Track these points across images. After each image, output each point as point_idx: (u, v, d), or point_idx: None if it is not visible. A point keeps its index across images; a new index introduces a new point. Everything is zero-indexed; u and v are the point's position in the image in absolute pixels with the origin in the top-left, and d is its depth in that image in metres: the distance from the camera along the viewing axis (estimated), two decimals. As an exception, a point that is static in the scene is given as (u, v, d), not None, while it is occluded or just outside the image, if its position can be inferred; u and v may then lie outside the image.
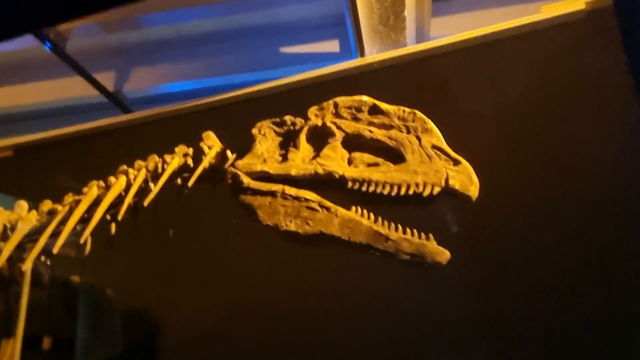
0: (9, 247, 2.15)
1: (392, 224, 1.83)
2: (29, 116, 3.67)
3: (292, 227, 1.88)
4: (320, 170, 1.91)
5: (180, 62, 3.37)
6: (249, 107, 2.58)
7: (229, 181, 2.00)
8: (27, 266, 2.15)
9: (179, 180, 2.19)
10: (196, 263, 2.49)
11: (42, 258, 2.40)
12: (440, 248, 1.78)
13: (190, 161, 2.19)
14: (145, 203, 2.13)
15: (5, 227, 2.26)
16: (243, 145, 2.14)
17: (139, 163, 2.26)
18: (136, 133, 2.88)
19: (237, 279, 2.42)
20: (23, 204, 2.35)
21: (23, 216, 2.25)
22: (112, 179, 2.22)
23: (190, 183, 2.10)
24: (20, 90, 3.58)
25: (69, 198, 2.30)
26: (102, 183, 2.25)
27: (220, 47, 3.30)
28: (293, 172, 1.93)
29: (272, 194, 1.93)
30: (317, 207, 1.88)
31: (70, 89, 3.53)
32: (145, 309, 2.56)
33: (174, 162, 2.16)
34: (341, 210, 1.86)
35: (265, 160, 2.01)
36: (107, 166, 2.55)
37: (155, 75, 3.55)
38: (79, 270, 2.34)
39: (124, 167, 2.28)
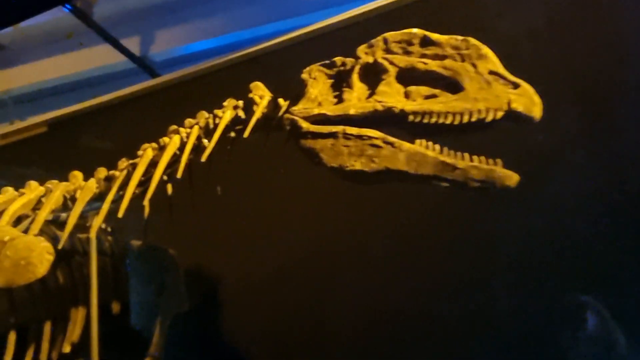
0: (74, 216, 2.18)
1: (458, 153, 1.82)
2: (58, 90, 3.66)
3: (358, 166, 1.88)
4: (379, 107, 1.90)
5: (205, 19, 3.32)
6: (292, 53, 2.55)
7: (287, 128, 2.00)
8: (94, 234, 2.17)
9: (232, 134, 2.19)
10: (256, 214, 2.50)
11: (102, 225, 2.43)
12: (509, 172, 1.77)
13: (241, 113, 2.18)
14: (203, 158, 2.13)
15: (65, 197, 2.28)
16: (293, 91, 2.12)
17: (189, 121, 2.25)
18: (177, 93, 2.87)
19: (300, 226, 2.44)
20: (77, 174, 2.36)
21: (82, 185, 2.27)
22: (166, 139, 2.21)
23: (246, 134, 2.10)
24: (47, 64, 3.56)
25: (124, 163, 2.31)
26: (155, 145, 2.25)
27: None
28: (352, 112, 1.92)
29: (334, 135, 1.92)
30: (381, 144, 1.87)
31: (97, 58, 3.50)
32: (207, 265, 2.60)
33: (226, 115, 2.15)
34: (405, 145, 1.85)
35: (320, 104, 2.00)
36: (153, 129, 2.55)
37: (180, 35, 3.51)
38: (140, 233, 2.35)
39: (174, 126, 2.27)
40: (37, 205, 2.28)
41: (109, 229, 2.46)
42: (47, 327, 2.40)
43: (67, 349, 2.45)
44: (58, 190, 2.24)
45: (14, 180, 2.52)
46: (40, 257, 1.92)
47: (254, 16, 3.34)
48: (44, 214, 2.15)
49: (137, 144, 2.36)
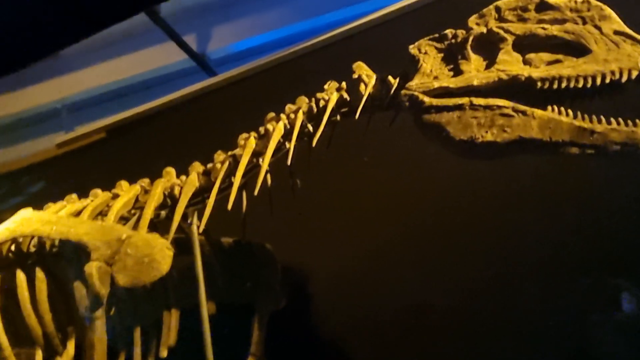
0: (179, 212, 2.10)
1: (594, 117, 1.76)
2: (113, 95, 3.59)
3: (489, 137, 1.81)
4: (503, 76, 1.84)
5: (262, 12, 3.26)
6: (388, 30, 2.48)
7: (405, 104, 1.93)
8: (195, 228, 2.10)
9: (337, 117, 2.12)
10: (365, 199, 2.43)
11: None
12: (651, 133, 1.71)
13: (346, 95, 2.11)
14: (313, 143, 2.06)
15: (164, 194, 2.20)
16: (398, 69, 2.06)
17: (289, 107, 2.18)
18: (259, 83, 2.80)
19: (412, 211, 2.36)
20: (170, 170, 2.28)
21: (178, 181, 2.19)
22: (269, 126, 2.14)
23: (357, 115, 2.03)
24: (100, 70, 3.49)
25: (221, 156, 2.23)
26: (255, 134, 2.18)
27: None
28: (475, 83, 1.86)
29: (460, 107, 1.85)
30: (512, 113, 1.81)
31: (150, 60, 3.43)
32: (303, 259, 2.53)
33: (333, 97, 2.08)
34: (538, 112, 1.79)
35: (436, 77, 1.94)
36: (227, 124, 2.48)
37: (232, 32, 3.44)
38: (233, 227, 2.27)
39: (272, 114, 2.21)
40: (136, 204, 2.20)
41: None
42: (137, 333, 2.31)
43: (164, 353, 2.36)
44: (159, 187, 2.16)
45: (75, 188, 2.44)
46: (162, 253, 1.85)
47: (310, 6, 3.28)
48: (149, 211, 2.07)
49: (212, 141, 2.29)
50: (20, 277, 2.03)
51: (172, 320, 2.42)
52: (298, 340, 2.61)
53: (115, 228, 1.95)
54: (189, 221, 2.20)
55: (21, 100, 3.68)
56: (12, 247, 2.08)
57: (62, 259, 2.00)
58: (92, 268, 1.78)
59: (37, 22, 2.97)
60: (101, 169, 3.36)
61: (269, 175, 2.19)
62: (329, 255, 2.52)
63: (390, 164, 2.41)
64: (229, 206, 2.07)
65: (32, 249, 2.04)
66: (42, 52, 3.28)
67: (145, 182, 2.30)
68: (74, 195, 2.35)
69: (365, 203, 2.46)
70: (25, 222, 2.03)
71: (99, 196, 2.26)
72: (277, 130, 2.11)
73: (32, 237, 2.04)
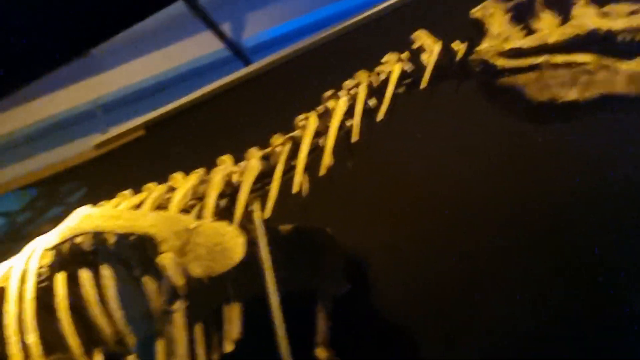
0: (242, 198, 2.02)
1: (685, 68, 1.65)
2: (149, 91, 3.52)
3: (572, 95, 1.71)
4: (580, 31, 1.74)
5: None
6: None
7: (476, 70, 1.84)
8: (266, 214, 2.02)
9: (400, 90, 2.03)
10: (435, 173, 2.33)
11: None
12: None
13: (407, 66, 2.02)
14: (379, 118, 1.97)
15: (223, 183, 2.12)
16: (459, 36, 1.96)
17: (348, 83, 2.09)
18: (303, 65, 2.71)
19: (494, 180, 2.25)
20: (226, 158, 2.20)
21: (243, 166, 2.11)
22: (329, 104, 2.05)
23: (423, 84, 1.94)
24: (134, 66, 3.42)
25: (279, 139, 2.15)
26: (314, 114, 2.10)
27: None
28: (551, 40, 1.76)
29: (536, 67, 1.75)
30: (594, 68, 1.71)
31: (185, 52, 3.36)
32: (367, 242, 2.44)
33: (396, 68, 1.99)
34: (623, 65, 1.69)
35: (507, 39, 1.84)
36: (272, 110, 2.40)
37: (264, 18, 3.35)
38: (292, 213, 2.19)
39: (330, 92, 2.12)
40: (195, 194, 2.12)
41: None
42: (199, 329, 2.22)
43: (229, 347, 2.29)
44: (218, 175, 2.08)
45: (117, 189, 2.36)
46: (233, 240, 1.77)
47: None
48: (212, 200, 2.00)
49: (256, 128, 2.21)
50: (84, 275, 1.97)
51: (233, 313, 2.34)
52: (363, 325, 2.53)
53: (181, 218, 1.88)
54: (249, 208, 2.12)
55: (53, 104, 3.63)
56: (74, 246, 2.01)
57: (129, 254, 1.93)
58: (168, 259, 1.71)
59: (67, 18, 2.91)
60: (142, 166, 3.30)
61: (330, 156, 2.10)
62: (391, 236, 2.43)
63: (456, 137, 2.31)
64: (295, 189, 1.99)
65: (95, 246, 1.97)
66: (73, 51, 3.23)
67: (200, 172, 2.22)
68: (127, 192, 2.29)
69: (430, 180, 2.36)
70: (86, 219, 1.97)
71: (154, 190, 2.19)
72: (339, 107, 2.03)
73: (95, 234, 1.96)
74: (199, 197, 2.12)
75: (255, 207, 2.12)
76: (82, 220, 1.96)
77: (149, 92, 3.59)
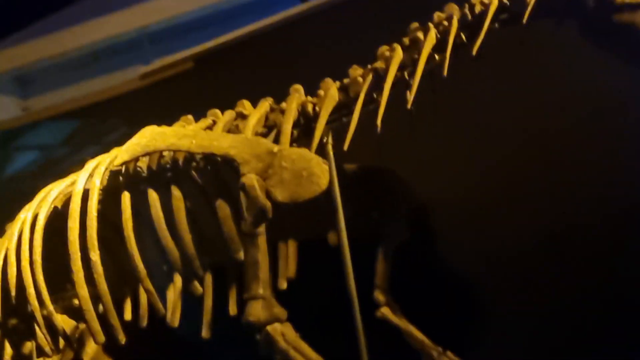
0: (320, 128, 1.93)
1: None
2: (198, 25, 3.39)
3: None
4: None
5: None
6: None
7: (590, 4, 1.72)
8: (345, 146, 1.92)
9: (495, 25, 1.92)
10: (525, 116, 2.20)
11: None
12: None
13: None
14: (474, 52, 1.86)
15: (297, 111, 2.02)
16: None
17: (438, 15, 1.97)
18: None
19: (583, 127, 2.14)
20: (298, 87, 2.09)
21: (321, 95, 2.01)
22: (418, 34, 1.94)
23: (525, 20, 1.83)
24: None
25: (358, 70, 2.04)
26: (399, 45, 1.98)
27: None
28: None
29: (661, 5, 1.64)
30: None
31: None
32: (437, 188, 2.34)
33: (495, 0, 1.87)
34: None
35: (626, -28, 1.71)
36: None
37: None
38: (373, 149, 2.09)
39: (416, 24, 2.00)
40: (266, 122, 2.03)
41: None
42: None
43: (283, 285, 2.22)
44: (293, 102, 1.98)
45: (161, 120, 2.25)
46: (319, 167, 1.68)
47: None
48: (289, 126, 1.90)
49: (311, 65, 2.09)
50: (153, 196, 1.89)
51: (289, 251, 2.28)
52: (422, 274, 2.46)
53: (261, 141, 1.79)
54: (324, 140, 2.02)
55: (99, 31, 3.49)
56: (144, 164, 1.93)
57: (203, 175, 1.85)
58: (254, 180, 1.63)
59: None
60: (188, 100, 3.18)
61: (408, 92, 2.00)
62: (465, 189, 2.34)
63: (550, 79, 2.19)
64: (378, 122, 1.89)
65: (167, 165, 1.88)
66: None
67: (269, 100, 2.12)
68: (190, 116, 2.19)
69: (518, 132, 2.25)
70: (159, 136, 1.88)
71: (220, 116, 2.10)
72: (429, 39, 1.91)
73: (169, 152, 1.88)
74: (269, 126, 2.03)
75: (329, 139, 2.03)
76: (155, 137, 1.88)
77: (199, 25, 3.45)
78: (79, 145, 3.70)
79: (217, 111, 2.16)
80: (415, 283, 2.40)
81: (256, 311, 1.58)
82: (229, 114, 2.08)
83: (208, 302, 1.96)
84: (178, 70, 3.24)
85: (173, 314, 1.90)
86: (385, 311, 2.25)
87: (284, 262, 2.27)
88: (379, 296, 2.27)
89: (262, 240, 1.62)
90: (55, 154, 3.80)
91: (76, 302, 2.02)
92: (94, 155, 2.19)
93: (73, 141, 3.73)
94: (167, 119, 2.20)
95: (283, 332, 1.57)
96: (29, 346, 2.20)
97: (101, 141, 3.52)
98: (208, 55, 3.19)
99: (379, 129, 1.88)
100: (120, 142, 2.15)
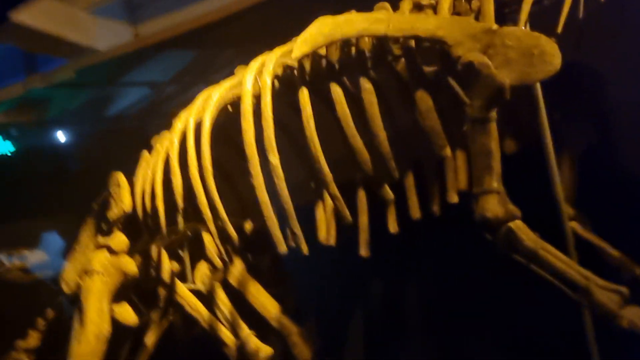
0: (525, 10, 1.66)
1: None
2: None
3: None
4: None
5: None
6: None
7: None
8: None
9: None
10: None
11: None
12: None
13: None
14: None
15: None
16: None
17: None
18: None
19: None
20: (385, 3, 1.78)
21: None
22: None
23: None
24: None
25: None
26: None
27: None
28: None
29: None
30: None
31: None
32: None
33: None
34: None
35: None
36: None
37: None
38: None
39: None
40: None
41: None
42: (409, 181, 1.90)
43: (454, 198, 2.00)
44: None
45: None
46: (550, 45, 1.42)
47: None
48: (491, 7, 1.63)
49: None
50: (338, 91, 1.69)
51: (459, 162, 2.05)
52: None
53: (472, 21, 1.54)
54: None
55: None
56: (327, 55, 1.73)
57: (402, 62, 1.63)
58: (485, 57, 1.39)
59: None
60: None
61: None
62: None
63: None
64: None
65: (358, 54, 1.67)
66: None
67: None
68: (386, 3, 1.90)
69: None
70: (345, 23, 1.66)
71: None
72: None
73: (359, 40, 1.66)
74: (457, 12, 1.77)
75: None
76: (339, 25, 1.66)
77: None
78: (190, 82, 3.55)
79: (386, 3, 1.91)
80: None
81: (493, 206, 1.38)
82: (407, 3, 1.83)
83: (364, 219, 1.79)
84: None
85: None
86: (573, 225, 2.01)
87: (452, 173, 2.05)
88: (567, 209, 2.03)
89: (494, 127, 1.40)
90: (165, 92, 3.66)
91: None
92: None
93: (184, 77, 3.58)
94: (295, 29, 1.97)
95: (525, 230, 1.36)
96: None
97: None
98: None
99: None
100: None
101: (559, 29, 1.65)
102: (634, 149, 2.06)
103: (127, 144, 3.26)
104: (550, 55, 1.41)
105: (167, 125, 2.26)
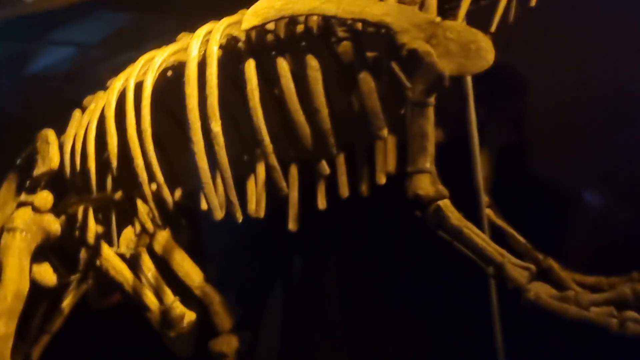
0: (464, 7, 1.78)
1: None
2: None
3: None
4: None
5: None
6: None
7: None
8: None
9: None
10: None
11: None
12: None
13: None
14: None
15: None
16: None
17: None
18: None
19: None
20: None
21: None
22: None
23: None
24: None
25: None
26: None
27: None
28: None
29: None
30: None
31: None
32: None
33: None
34: None
35: None
36: None
37: None
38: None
39: None
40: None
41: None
42: (341, 160, 2.00)
43: (382, 180, 2.11)
44: None
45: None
46: (486, 41, 1.55)
47: None
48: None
49: None
50: (284, 65, 1.74)
51: (389, 145, 2.17)
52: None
53: (417, 11, 1.64)
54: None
55: None
56: (275, 29, 1.77)
57: (350, 44, 1.70)
58: (428, 47, 1.49)
59: None
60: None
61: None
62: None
63: None
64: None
65: (306, 32, 1.73)
66: None
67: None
68: None
69: None
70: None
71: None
72: None
73: (308, 17, 1.71)
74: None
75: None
76: (291, 0, 1.70)
77: None
78: (122, 47, 3.43)
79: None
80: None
81: (425, 185, 1.48)
82: None
83: (294, 195, 1.86)
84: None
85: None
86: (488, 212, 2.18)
87: (382, 156, 2.15)
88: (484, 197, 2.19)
89: (431, 112, 1.50)
90: (93, 55, 3.51)
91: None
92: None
93: (115, 41, 3.45)
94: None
95: (452, 209, 1.48)
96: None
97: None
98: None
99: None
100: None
101: (493, 29, 1.78)
102: (549, 147, 2.25)
103: (49, 104, 3.14)
104: (485, 51, 1.53)
105: (94, 90, 2.23)
